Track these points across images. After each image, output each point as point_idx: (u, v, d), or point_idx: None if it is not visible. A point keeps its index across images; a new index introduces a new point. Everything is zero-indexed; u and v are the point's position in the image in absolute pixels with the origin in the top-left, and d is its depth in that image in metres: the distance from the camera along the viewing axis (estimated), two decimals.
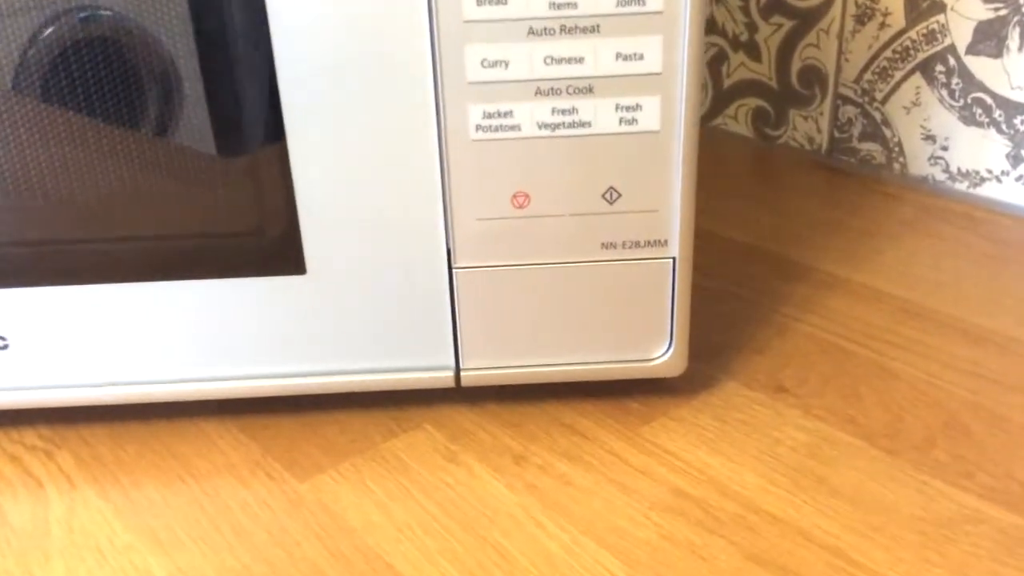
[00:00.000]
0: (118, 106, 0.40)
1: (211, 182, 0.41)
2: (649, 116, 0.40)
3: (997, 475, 0.41)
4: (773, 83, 0.76)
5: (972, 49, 0.64)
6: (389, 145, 0.40)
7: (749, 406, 0.47)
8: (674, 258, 0.43)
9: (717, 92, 0.81)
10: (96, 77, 0.39)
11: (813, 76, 0.73)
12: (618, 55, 0.39)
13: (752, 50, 0.77)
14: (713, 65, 0.80)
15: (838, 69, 0.72)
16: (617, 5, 0.38)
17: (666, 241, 0.43)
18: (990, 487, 0.41)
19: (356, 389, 0.45)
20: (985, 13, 0.63)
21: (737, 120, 0.80)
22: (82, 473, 0.44)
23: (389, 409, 0.47)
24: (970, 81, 0.65)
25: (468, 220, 0.42)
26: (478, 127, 0.40)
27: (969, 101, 0.65)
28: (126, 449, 0.45)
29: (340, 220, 0.42)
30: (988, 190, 0.66)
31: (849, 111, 0.72)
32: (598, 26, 0.38)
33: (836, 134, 0.74)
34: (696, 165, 0.41)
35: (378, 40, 0.38)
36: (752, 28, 0.76)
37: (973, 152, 0.66)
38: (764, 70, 0.77)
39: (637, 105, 0.40)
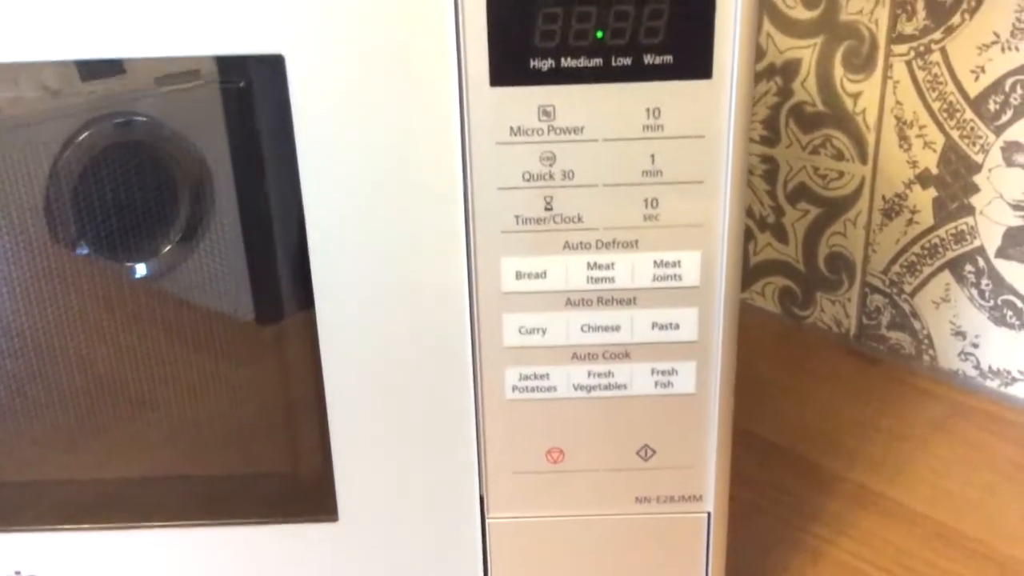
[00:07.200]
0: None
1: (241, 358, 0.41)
2: (685, 380, 0.40)
3: None
4: (800, 265, 0.77)
5: (1002, 253, 0.64)
6: (425, 402, 0.41)
7: None
8: (709, 513, 0.43)
9: (743, 269, 0.81)
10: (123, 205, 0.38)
11: (840, 263, 0.74)
12: (654, 324, 0.39)
13: (779, 232, 0.77)
14: None
15: (865, 259, 0.72)
16: (654, 280, 0.38)
17: (701, 496, 0.42)
18: None
19: None
20: (1014, 220, 0.63)
21: (764, 296, 0.81)
22: None
23: None
24: (1000, 283, 0.65)
25: (502, 473, 0.42)
26: (514, 388, 0.40)
27: (999, 303, 0.65)
28: None
29: (374, 466, 0.42)
30: (1020, 390, 0.66)
31: (877, 300, 0.72)
32: (635, 298, 0.39)
33: (864, 320, 0.74)
34: (731, 423, 0.41)
35: (418, 307, 0.39)
36: (779, 212, 0.77)
37: (1004, 351, 0.66)
38: (791, 252, 0.77)
39: (673, 370, 0.40)
